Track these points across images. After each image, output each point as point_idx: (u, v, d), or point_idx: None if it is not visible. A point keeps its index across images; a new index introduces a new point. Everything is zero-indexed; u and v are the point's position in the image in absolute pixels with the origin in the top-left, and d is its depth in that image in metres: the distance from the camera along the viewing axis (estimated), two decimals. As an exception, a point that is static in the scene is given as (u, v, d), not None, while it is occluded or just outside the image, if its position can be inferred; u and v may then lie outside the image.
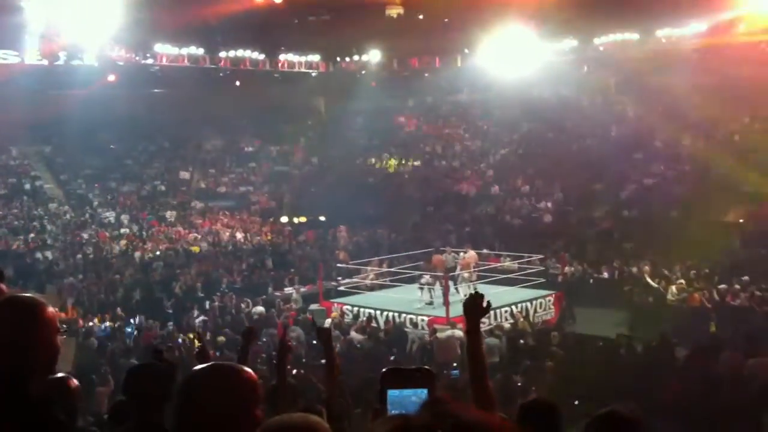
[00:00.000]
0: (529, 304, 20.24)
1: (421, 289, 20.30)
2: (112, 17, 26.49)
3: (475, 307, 3.54)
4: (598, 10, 28.20)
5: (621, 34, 33.14)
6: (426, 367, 2.63)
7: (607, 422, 3.35)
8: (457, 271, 20.72)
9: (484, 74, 33.93)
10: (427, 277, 20.70)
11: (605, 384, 11.69)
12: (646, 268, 20.82)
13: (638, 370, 12.84)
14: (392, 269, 22.87)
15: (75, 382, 4.09)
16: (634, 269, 21.59)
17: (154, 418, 3.64)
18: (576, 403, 8.52)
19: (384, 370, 2.54)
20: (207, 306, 21.56)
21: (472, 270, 20.66)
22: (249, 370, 2.36)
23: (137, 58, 32.27)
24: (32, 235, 27.71)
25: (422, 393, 2.43)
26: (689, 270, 20.35)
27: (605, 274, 22.81)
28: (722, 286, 18.63)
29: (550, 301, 20.70)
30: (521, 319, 18.35)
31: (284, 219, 32.54)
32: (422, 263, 21.15)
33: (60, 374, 3.90)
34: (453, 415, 1.52)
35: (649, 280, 20.20)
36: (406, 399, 2.42)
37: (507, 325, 17.93)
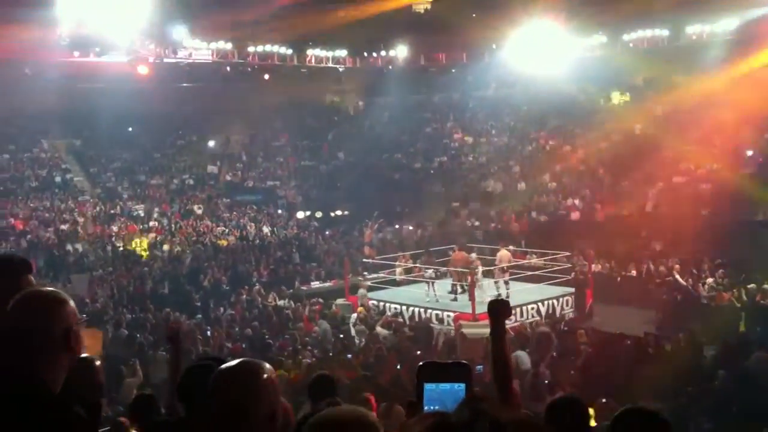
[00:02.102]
0: (555, 301, 20.18)
1: (429, 283, 20.47)
2: (143, 12, 26.71)
3: (499, 309, 3.55)
4: (627, 5, 27.96)
5: (651, 30, 32.83)
6: (463, 361, 2.63)
7: (634, 419, 3.34)
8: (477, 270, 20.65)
9: (512, 70, 33.76)
10: (430, 272, 20.79)
11: (633, 382, 11.64)
12: (676, 266, 20.65)
13: (666, 369, 12.76)
14: (418, 265, 22.86)
15: (98, 362, 4.10)
16: (662, 268, 21.42)
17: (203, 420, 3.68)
18: (604, 400, 8.48)
19: (421, 364, 2.54)
20: (234, 299, 21.72)
21: (505, 268, 20.58)
22: (269, 366, 2.43)
23: (167, 52, 32.49)
24: (62, 227, 28.04)
25: (459, 387, 2.43)
26: (718, 268, 20.15)
27: (633, 272, 22.65)
28: (751, 285, 18.43)
29: (575, 298, 20.63)
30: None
31: (300, 215, 32.64)
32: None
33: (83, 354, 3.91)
34: (490, 413, 1.54)
35: (678, 278, 20.03)
36: (443, 393, 2.42)
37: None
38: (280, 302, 20.90)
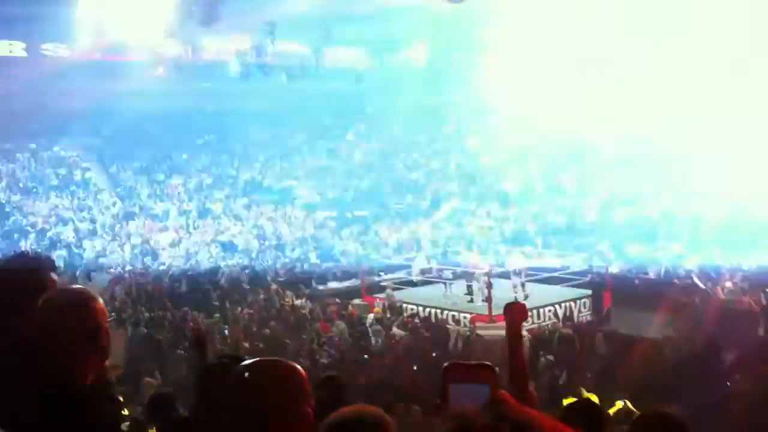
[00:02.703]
0: (572, 303, 20.11)
1: (447, 284, 20.51)
2: (163, 11, 26.87)
3: (515, 312, 3.53)
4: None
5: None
6: (488, 363, 2.61)
7: (652, 422, 3.34)
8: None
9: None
10: (448, 272, 20.81)
11: (651, 385, 11.59)
12: (695, 268, 20.52)
13: (684, 372, 12.70)
14: (435, 266, 22.86)
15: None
16: (681, 270, 21.29)
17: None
18: (622, 404, 8.47)
19: (446, 364, 2.53)
20: (251, 299, 21.79)
21: (518, 271, 20.52)
22: (296, 365, 2.41)
23: (186, 51, 32.64)
24: (82, 225, 28.26)
25: (484, 389, 2.43)
26: (738, 272, 20.01)
27: (651, 275, 22.53)
28: (772, 288, 18.31)
29: (592, 300, 20.54)
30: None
31: (317, 214, 32.69)
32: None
33: None
34: (514, 415, 1.55)
35: (696, 281, 19.90)
36: (468, 394, 2.42)
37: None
38: (298, 302, 20.91)
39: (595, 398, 8.86)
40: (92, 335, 2.46)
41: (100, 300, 2.57)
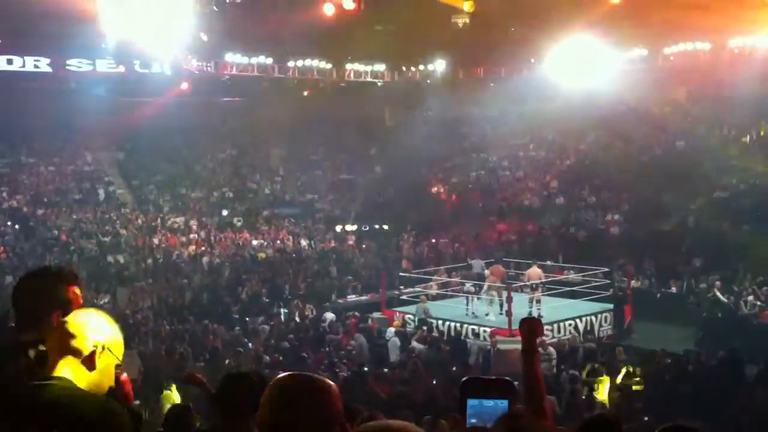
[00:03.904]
0: (593, 317, 20.00)
1: (468, 298, 20.50)
2: (185, 27, 27.14)
3: (531, 327, 3.53)
4: (668, 19, 27.69)
5: (692, 44, 32.46)
6: (507, 378, 2.61)
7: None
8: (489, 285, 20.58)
9: (551, 84, 33.58)
10: (469, 285, 20.78)
11: (673, 400, 11.50)
12: (717, 282, 20.35)
13: (707, 387, 12.59)
14: (454, 279, 22.82)
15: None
16: (703, 284, 21.13)
17: (240, 427, 3.74)
18: (645, 419, 8.41)
19: (464, 379, 2.53)
20: (272, 312, 21.87)
21: (536, 285, 20.41)
22: (331, 382, 2.37)
23: (208, 67, 32.96)
24: (105, 239, 28.51)
25: (503, 404, 2.41)
26: (761, 286, 19.82)
27: (673, 289, 22.37)
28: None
29: (614, 315, 20.41)
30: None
31: (338, 228, 32.77)
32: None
33: None
34: (530, 430, 1.55)
35: (719, 294, 19.74)
36: (486, 409, 2.40)
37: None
38: (326, 315, 20.82)
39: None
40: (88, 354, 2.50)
41: (108, 324, 2.61)
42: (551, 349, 15.70)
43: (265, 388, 2.27)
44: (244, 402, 3.72)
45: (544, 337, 17.15)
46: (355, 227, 32.85)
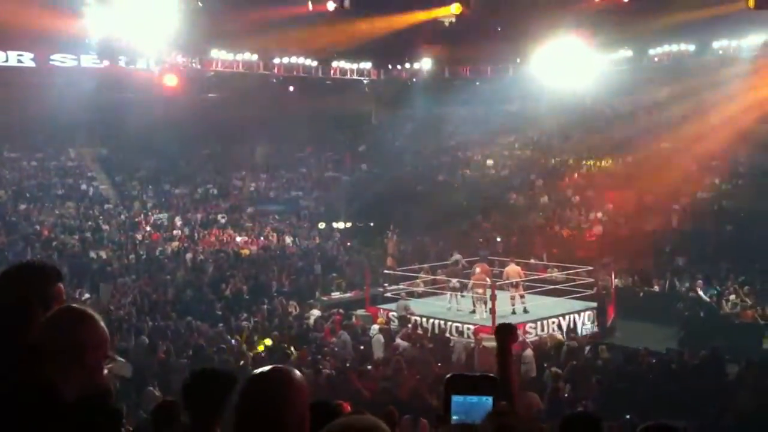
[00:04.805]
0: (576, 316, 20.08)
1: (452, 295, 20.55)
2: (170, 23, 27.01)
3: (506, 333, 3.61)
4: (653, 20, 27.87)
5: (676, 45, 32.67)
6: (491, 374, 2.60)
7: (656, 435, 3.33)
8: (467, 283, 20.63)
9: (536, 84, 33.70)
10: (454, 282, 20.84)
11: (655, 398, 11.56)
12: (699, 282, 20.49)
13: (689, 385, 12.66)
14: (438, 277, 22.83)
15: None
16: (686, 283, 21.27)
17: (209, 425, 3.71)
18: (628, 417, 8.44)
19: (449, 376, 2.52)
20: (255, 309, 21.78)
21: (515, 283, 20.39)
22: (299, 373, 2.42)
23: (193, 63, 32.81)
24: (87, 234, 28.31)
25: (487, 400, 2.41)
26: (743, 285, 19.97)
27: (656, 288, 22.50)
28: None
29: (597, 313, 20.50)
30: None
31: (321, 225, 32.76)
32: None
33: None
34: (516, 427, 1.55)
35: (701, 294, 19.87)
36: (471, 406, 2.39)
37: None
38: (312, 312, 20.80)
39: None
40: (76, 353, 2.47)
41: (97, 321, 2.57)
42: (529, 352, 15.59)
43: (234, 385, 2.29)
44: (211, 399, 3.70)
45: (526, 335, 17.25)
46: (342, 225, 32.82)
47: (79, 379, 2.48)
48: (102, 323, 2.60)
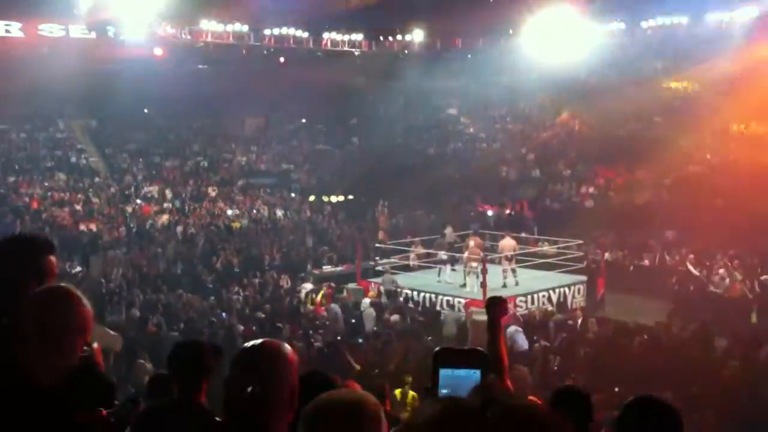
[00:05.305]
0: (566, 289, 20.16)
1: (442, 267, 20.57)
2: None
3: (496, 307, 3.65)
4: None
5: (669, 17, 32.56)
6: (479, 348, 2.62)
7: (643, 408, 3.35)
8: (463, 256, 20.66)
9: (528, 56, 33.57)
10: (443, 255, 20.87)
11: (643, 372, 11.64)
12: (690, 256, 20.57)
13: (677, 359, 12.75)
14: (430, 251, 22.86)
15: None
16: (676, 257, 21.35)
17: (194, 395, 3.72)
18: (617, 390, 8.50)
19: (437, 349, 2.53)
20: (247, 282, 21.80)
21: (509, 256, 20.40)
22: (288, 346, 2.44)
23: (183, 34, 32.53)
24: (77, 207, 28.19)
25: (475, 374, 2.42)
26: (732, 260, 20.05)
27: (646, 262, 22.59)
28: (764, 276, 18.36)
29: (587, 287, 20.59)
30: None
31: (312, 198, 32.69)
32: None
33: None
34: (503, 400, 1.54)
35: (691, 268, 19.96)
36: (459, 379, 2.40)
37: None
38: (304, 285, 20.79)
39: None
40: (57, 335, 2.44)
41: (80, 301, 2.54)
42: (512, 329, 15.21)
43: (218, 356, 2.29)
44: (195, 370, 3.72)
45: (516, 310, 17.32)
46: (333, 198, 32.75)
47: (57, 362, 2.45)
48: (86, 306, 2.55)
